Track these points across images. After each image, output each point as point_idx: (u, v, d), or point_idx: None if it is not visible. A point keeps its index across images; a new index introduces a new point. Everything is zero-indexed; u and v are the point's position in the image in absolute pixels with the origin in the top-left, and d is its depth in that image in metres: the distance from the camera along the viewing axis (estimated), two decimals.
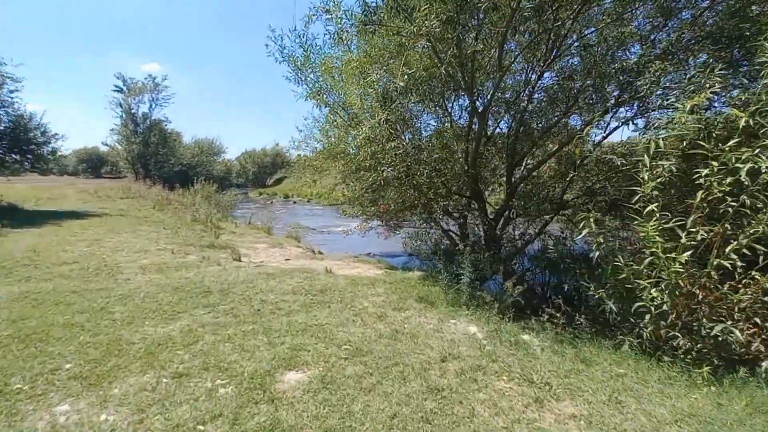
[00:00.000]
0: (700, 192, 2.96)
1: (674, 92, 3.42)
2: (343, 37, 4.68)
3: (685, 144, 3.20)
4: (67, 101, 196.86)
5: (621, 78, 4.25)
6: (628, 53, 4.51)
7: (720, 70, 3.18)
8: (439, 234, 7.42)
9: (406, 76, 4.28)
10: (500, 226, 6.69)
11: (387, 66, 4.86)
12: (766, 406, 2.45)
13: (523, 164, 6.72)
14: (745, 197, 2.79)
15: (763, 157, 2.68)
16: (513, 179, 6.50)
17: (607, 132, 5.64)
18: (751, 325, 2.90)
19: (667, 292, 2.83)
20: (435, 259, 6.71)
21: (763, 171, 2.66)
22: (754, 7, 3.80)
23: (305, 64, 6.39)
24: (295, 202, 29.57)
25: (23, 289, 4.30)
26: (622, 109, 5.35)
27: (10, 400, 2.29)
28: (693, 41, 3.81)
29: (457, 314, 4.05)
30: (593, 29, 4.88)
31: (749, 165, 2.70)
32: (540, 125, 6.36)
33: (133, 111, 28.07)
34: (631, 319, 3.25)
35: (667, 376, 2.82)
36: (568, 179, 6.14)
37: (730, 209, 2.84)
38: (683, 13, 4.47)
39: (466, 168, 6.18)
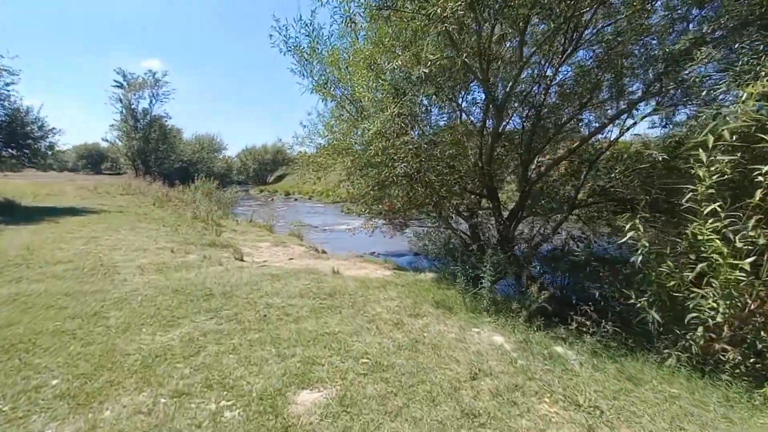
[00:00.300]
0: (759, 190, 2.66)
1: (724, 81, 3.10)
2: (356, 21, 4.36)
3: (734, 138, 2.90)
4: (67, 101, 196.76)
5: (655, 67, 3.92)
6: (662, 42, 4.18)
7: None
8: (449, 234, 7.13)
9: (424, 66, 3.96)
10: (513, 225, 6.40)
11: (401, 55, 4.54)
12: None
13: (535, 162, 6.43)
14: None
15: None
16: (529, 177, 6.21)
17: (626, 127, 5.34)
18: None
19: (726, 302, 2.53)
20: (447, 259, 6.43)
21: None
22: None
23: (312, 54, 6.11)
24: (296, 200, 29.32)
25: (12, 291, 4.01)
26: (641, 104, 5.06)
27: None
28: (739, 25, 3.49)
29: (479, 321, 3.76)
30: (621, 16, 4.57)
31: None
32: (558, 121, 6.05)
33: (133, 106, 27.66)
34: (677, 331, 2.95)
35: (725, 396, 2.52)
36: (582, 177, 5.84)
37: None
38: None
39: (480, 165, 5.88)
